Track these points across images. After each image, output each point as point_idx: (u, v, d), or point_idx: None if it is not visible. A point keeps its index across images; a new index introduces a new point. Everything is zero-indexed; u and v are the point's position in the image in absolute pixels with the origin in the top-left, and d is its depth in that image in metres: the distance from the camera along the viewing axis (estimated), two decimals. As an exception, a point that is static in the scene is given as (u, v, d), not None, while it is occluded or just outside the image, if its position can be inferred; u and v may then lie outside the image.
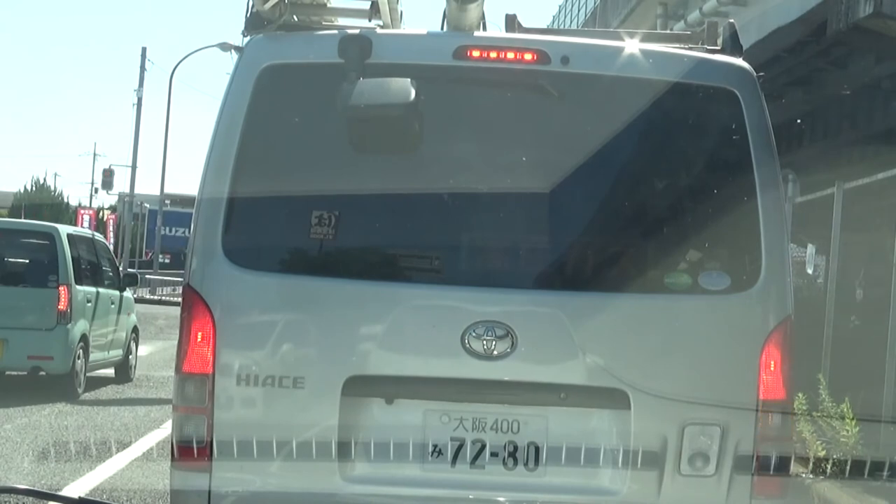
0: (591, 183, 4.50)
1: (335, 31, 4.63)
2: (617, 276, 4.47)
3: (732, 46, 4.70)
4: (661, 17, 20.47)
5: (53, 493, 2.88)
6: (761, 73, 4.66)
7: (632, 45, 4.63)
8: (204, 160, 4.57)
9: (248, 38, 4.70)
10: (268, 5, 4.67)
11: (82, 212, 53.00)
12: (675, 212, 4.57)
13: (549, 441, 4.31)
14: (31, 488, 2.82)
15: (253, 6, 4.68)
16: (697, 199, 4.56)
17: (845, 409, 8.42)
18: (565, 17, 33.73)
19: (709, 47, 4.81)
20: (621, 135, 4.47)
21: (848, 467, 7.56)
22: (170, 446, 4.41)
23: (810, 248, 12.00)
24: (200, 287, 4.38)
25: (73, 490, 7.25)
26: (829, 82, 15.90)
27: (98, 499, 2.95)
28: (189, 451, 4.31)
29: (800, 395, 8.56)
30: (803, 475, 7.71)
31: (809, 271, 12.21)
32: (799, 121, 17.46)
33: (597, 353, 4.32)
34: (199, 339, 4.33)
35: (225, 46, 44.50)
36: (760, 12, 15.61)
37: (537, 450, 4.31)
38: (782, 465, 4.40)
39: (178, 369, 4.41)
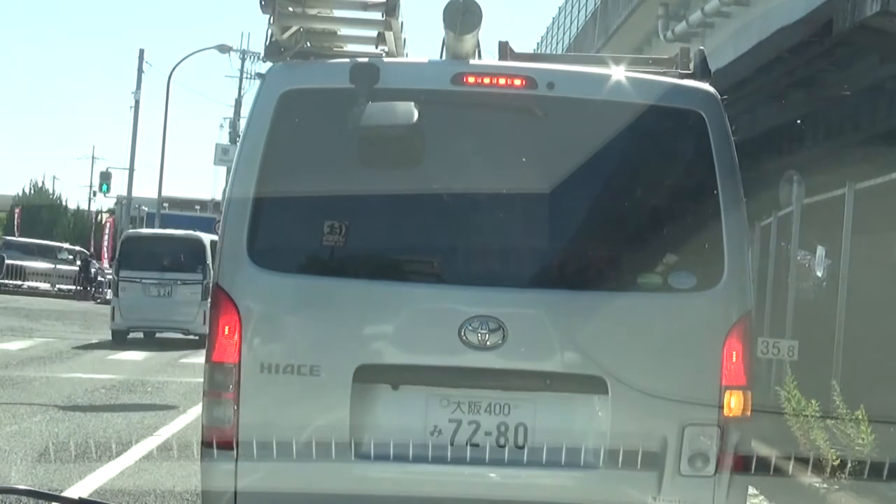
0: (574, 194, 4.98)
1: (347, 60, 5.12)
2: (596, 276, 4.98)
3: (702, 71, 5.19)
4: (662, 17, 20.16)
5: (53, 493, 2.92)
6: (725, 97, 5.18)
7: (611, 72, 5.13)
8: (230, 174, 5.13)
9: (269, 65, 5.22)
10: (286, 35, 5.20)
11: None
12: (648, 220, 5.09)
13: (536, 422, 4.80)
14: (31, 488, 2.87)
15: (272, 35, 5.18)
16: (668, 209, 5.06)
17: (861, 416, 8.15)
18: (565, 18, 33.80)
19: (682, 71, 5.30)
20: (601, 151, 4.96)
21: (864, 474, 7.40)
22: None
23: (820, 251, 11.95)
24: (227, 286, 4.86)
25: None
26: (832, 83, 15.83)
27: (98, 499, 3.06)
28: (217, 432, 4.78)
29: (812, 401, 8.66)
30: (817, 485, 7.83)
31: (819, 274, 12.15)
32: (799, 121, 17.60)
33: (577, 344, 4.80)
34: (226, 332, 4.81)
35: (223, 48, 44.14)
36: (763, 12, 15.65)
37: (526, 429, 4.79)
38: (744, 444, 4.87)
39: (207, 359, 4.88)
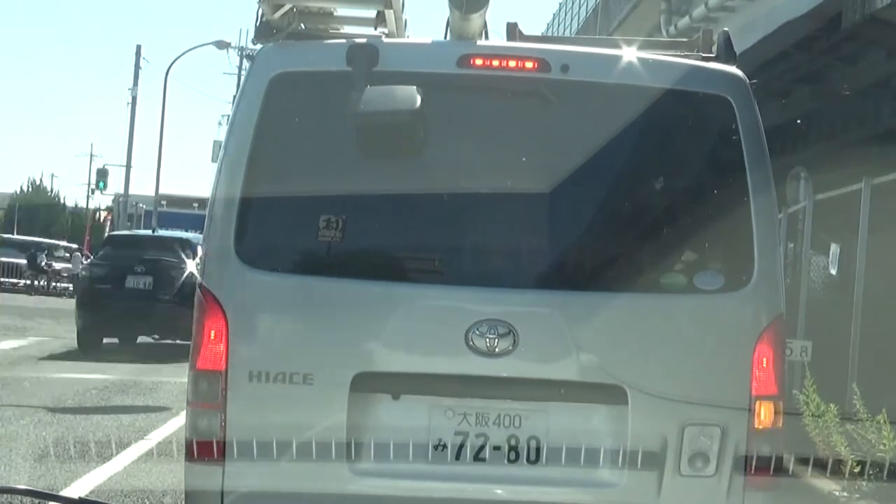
0: (590, 186, 4.66)
1: (343, 41, 4.79)
2: (615, 276, 4.64)
3: (727, 54, 4.86)
4: (664, 12, 20.26)
5: (53, 493, 2.87)
6: (754, 81, 4.83)
7: (629, 54, 4.79)
8: (217, 164, 4.77)
9: (259, 46, 4.87)
10: (277, 14, 4.85)
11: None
12: (671, 214, 4.74)
13: (549, 435, 4.47)
14: (31, 488, 2.81)
15: (263, 15, 4.86)
16: (693, 203, 4.72)
17: (882, 420, 7.86)
18: (566, 14, 33.66)
19: (704, 54, 4.96)
20: (619, 140, 4.63)
21: (885, 480, 7.27)
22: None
23: (834, 248, 11.66)
24: (213, 287, 4.54)
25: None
26: (838, 79, 15.81)
27: (98, 499, 2.94)
28: (202, 446, 4.46)
29: (832, 405, 8.44)
30: (837, 492, 7.64)
31: (833, 272, 11.81)
32: (804, 118, 17.45)
33: (595, 350, 4.49)
34: (212, 337, 4.49)
35: (220, 44, 44.17)
36: (769, 7, 15.58)
37: (538, 443, 4.47)
38: (775, 460, 4.55)
39: (191, 366, 4.56)
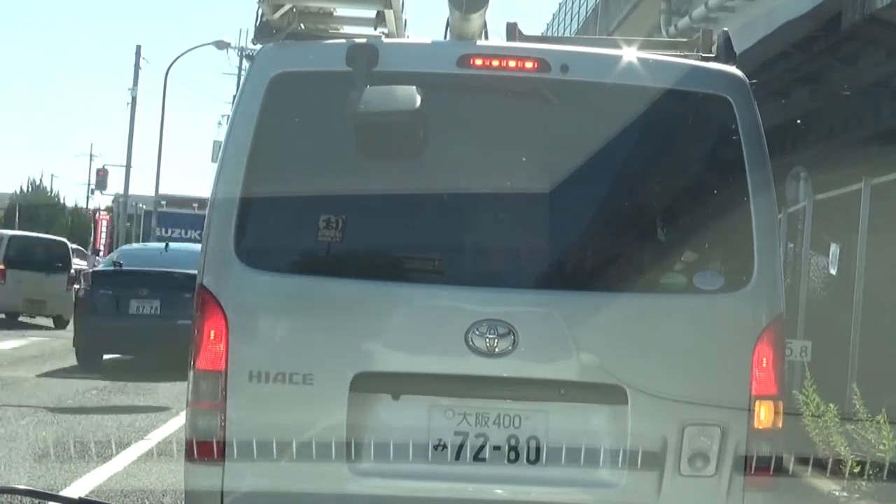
0: (590, 186, 4.66)
1: (343, 41, 4.79)
2: (614, 276, 4.65)
3: (726, 54, 4.87)
4: (664, 12, 20.29)
5: (53, 493, 2.87)
6: (754, 81, 4.83)
7: (629, 54, 4.80)
8: (217, 165, 4.77)
9: (259, 46, 4.88)
10: (277, 14, 4.85)
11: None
12: (671, 214, 4.74)
13: (549, 435, 4.47)
14: (32, 488, 2.82)
15: (263, 15, 4.86)
16: (692, 202, 4.72)
17: (882, 420, 7.89)
18: (566, 14, 33.66)
19: (704, 54, 4.97)
20: (619, 140, 4.63)
21: (885, 480, 7.31)
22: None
23: (834, 248, 11.68)
24: (213, 287, 4.54)
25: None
26: (837, 79, 15.83)
27: (98, 499, 2.97)
28: (202, 446, 4.46)
29: (832, 405, 8.46)
30: (837, 492, 7.66)
31: (833, 272, 11.85)
32: (808, 118, 17.45)
33: (595, 350, 4.48)
34: (211, 337, 4.49)
35: (220, 44, 44.25)
36: (769, 7, 15.58)
37: (538, 443, 4.47)
38: (775, 460, 4.56)
39: (191, 366, 4.55)
